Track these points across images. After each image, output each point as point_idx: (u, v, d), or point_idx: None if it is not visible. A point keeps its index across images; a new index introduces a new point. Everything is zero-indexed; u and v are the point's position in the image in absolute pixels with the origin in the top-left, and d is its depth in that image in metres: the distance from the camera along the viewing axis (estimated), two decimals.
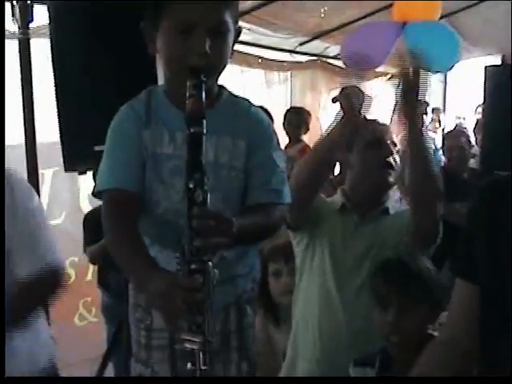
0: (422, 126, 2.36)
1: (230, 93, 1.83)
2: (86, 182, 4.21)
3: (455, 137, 5.28)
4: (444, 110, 9.14)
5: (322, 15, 5.12)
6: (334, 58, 6.52)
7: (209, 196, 1.49)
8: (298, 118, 5.55)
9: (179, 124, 1.66)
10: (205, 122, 1.50)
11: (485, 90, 6.41)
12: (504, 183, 1.49)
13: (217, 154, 1.73)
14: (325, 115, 6.89)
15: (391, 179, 2.44)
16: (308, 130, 5.62)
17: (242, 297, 1.90)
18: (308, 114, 5.71)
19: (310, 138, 5.88)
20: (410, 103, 2.30)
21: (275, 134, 1.90)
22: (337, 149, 2.40)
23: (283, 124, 5.56)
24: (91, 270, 4.57)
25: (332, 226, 2.43)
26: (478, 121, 7.57)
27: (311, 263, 2.47)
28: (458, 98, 9.89)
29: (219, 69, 1.69)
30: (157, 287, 1.50)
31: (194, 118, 1.50)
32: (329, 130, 2.41)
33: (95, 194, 1.81)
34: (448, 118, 8.99)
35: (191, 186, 1.48)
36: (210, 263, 1.47)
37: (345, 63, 4.74)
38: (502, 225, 1.40)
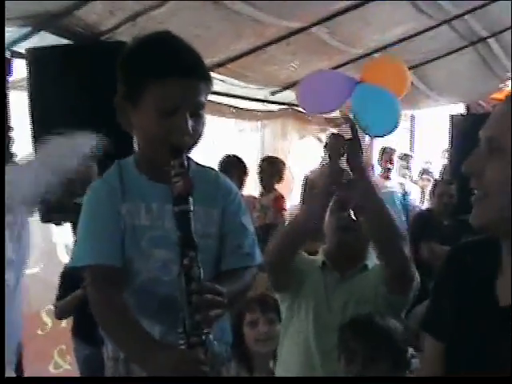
0: (366, 175, 2.41)
1: (196, 163, 1.89)
2: (62, 232, 4.26)
3: (447, 184, 5.51)
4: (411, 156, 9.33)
5: (293, 69, 5.26)
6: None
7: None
8: (271, 168, 5.63)
9: (154, 195, 1.76)
10: (191, 198, 1.57)
11: (450, 137, 6.63)
12: (467, 249, 1.57)
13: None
14: (295, 163, 7.04)
15: (349, 240, 2.52)
16: (282, 179, 5.70)
17: (217, 360, 1.91)
18: (282, 163, 5.80)
19: (281, 186, 6.01)
20: (352, 157, 2.40)
21: (243, 198, 1.98)
22: (314, 217, 2.49)
23: (258, 173, 5.67)
24: None
25: (314, 283, 2.50)
26: (444, 166, 7.78)
27: (295, 319, 2.52)
28: (425, 144, 10.13)
29: (196, 145, 1.76)
30: (164, 363, 1.56)
31: (183, 196, 1.57)
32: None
33: (72, 268, 1.80)
34: (416, 163, 9.17)
35: (186, 262, 1.55)
36: (211, 336, 1.55)
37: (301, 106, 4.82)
38: (466, 289, 1.48)
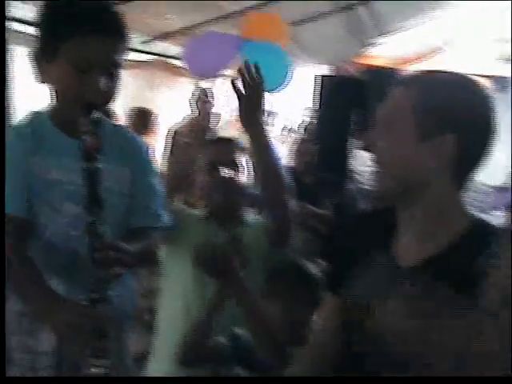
0: (261, 132, 2.46)
1: (111, 121, 1.92)
2: None
3: (307, 143, 5.66)
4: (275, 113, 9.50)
5: (168, 20, 5.21)
6: (174, 57, 6.64)
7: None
8: (141, 119, 5.58)
9: (66, 150, 1.76)
10: (100, 156, 1.59)
11: (316, 97, 6.80)
12: (366, 216, 1.75)
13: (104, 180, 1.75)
14: (164, 113, 7.00)
15: (225, 197, 2.58)
16: (151, 130, 5.67)
17: (121, 314, 1.97)
18: (151, 114, 5.75)
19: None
20: (247, 114, 2.43)
21: (153, 158, 2.01)
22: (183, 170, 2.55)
23: (127, 124, 5.56)
24: None
25: (194, 235, 2.54)
26: (306, 124, 8.00)
27: (174, 270, 2.58)
28: (287, 102, 10.34)
29: (110, 104, 1.78)
30: (66, 319, 1.59)
31: (91, 153, 1.58)
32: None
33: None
34: (279, 121, 9.38)
35: (92, 219, 1.57)
36: (112, 292, 1.58)
37: (186, 68, 4.81)
38: (366, 252, 1.60)
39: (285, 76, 2.99)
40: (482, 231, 1.49)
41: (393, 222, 1.57)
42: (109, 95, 1.75)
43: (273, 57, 3.05)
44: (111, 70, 1.73)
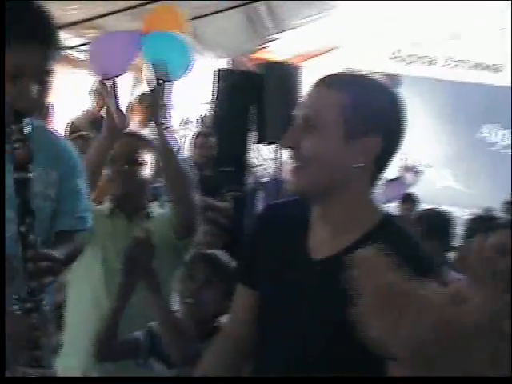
0: (163, 127, 2.59)
1: (39, 123, 1.88)
2: None
3: (206, 136, 5.72)
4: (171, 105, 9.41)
5: (69, 11, 5.12)
6: (74, 48, 6.55)
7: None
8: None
9: None
10: (31, 166, 1.58)
11: (215, 90, 6.86)
12: (279, 208, 1.78)
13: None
14: (62, 105, 6.87)
15: (127, 190, 2.65)
16: (48, 121, 5.55)
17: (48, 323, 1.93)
18: (48, 105, 5.64)
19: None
20: (153, 110, 2.52)
21: (80, 160, 2.01)
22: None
23: None
24: None
25: (101, 230, 2.53)
26: (203, 117, 8.06)
27: (83, 266, 2.54)
28: (184, 95, 10.27)
29: (40, 110, 1.80)
30: None
31: (22, 164, 1.57)
32: None
33: None
34: (176, 113, 9.32)
35: (23, 229, 1.57)
36: (44, 302, 1.60)
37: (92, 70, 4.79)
38: (279, 244, 1.65)
39: (187, 65, 3.04)
40: (390, 224, 1.59)
41: (306, 215, 1.62)
42: (39, 103, 1.74)
43: (174, 46, 3.09)
44: (42, 78, 1.70)
